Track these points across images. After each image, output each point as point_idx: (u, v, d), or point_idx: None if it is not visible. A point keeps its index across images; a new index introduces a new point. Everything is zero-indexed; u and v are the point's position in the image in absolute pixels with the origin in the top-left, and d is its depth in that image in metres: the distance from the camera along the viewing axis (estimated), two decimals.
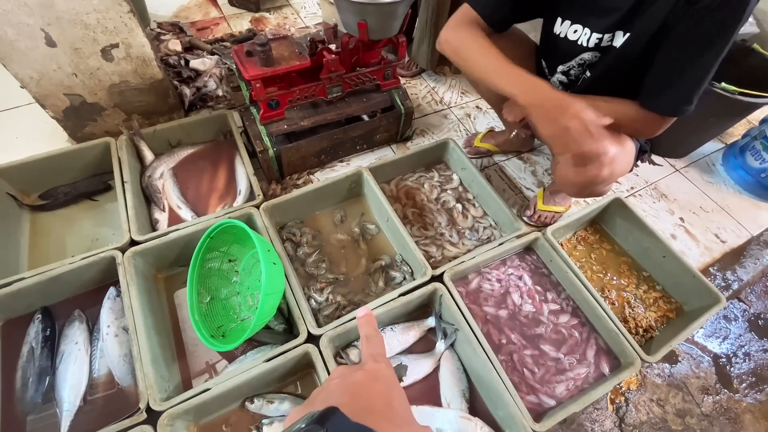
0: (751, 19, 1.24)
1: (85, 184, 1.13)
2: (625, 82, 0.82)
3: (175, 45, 1.49)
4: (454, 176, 1.24)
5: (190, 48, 1.53)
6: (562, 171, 0.84)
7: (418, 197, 1.19)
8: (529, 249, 1.09)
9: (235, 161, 1.19)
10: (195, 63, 1.42)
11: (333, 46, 1.15)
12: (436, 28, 1.37)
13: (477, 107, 1.52)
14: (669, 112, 0.76)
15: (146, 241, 0.93)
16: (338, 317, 0.87)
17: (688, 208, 1.31)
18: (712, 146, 1.48)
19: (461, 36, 0.83)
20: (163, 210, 1.07)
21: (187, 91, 1.34)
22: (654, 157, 1.43)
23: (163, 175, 1.13)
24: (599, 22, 0.79)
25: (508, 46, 0.92)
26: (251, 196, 1.08)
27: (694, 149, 1.43)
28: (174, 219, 1.06)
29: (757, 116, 1.42)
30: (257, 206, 1.01)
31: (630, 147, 0.85)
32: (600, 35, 0.80)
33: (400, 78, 1.26)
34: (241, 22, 1.72)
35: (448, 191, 1.21)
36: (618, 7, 0.75)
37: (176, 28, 1.62)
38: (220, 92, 1.40)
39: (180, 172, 1.16)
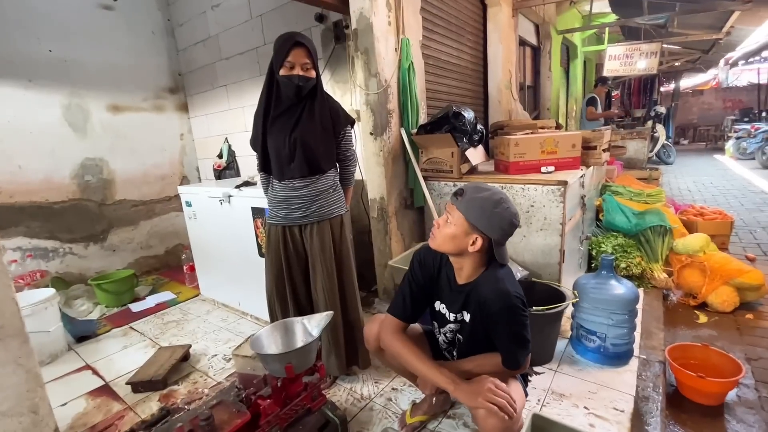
0: (520, 268, 2.02)
1: None
2: (485, 340, 1.23)
3: None
4: None
5: None
6: (484, 427, 1.11)
7: None
8: None
9: None
10: None
11: (264, 392, 1.32)
12: (336, 343, 1.72)
13: (393, 389, 1.74)
14: (512, 367, 1.19)
15: None
16: None
17: (583, 396, 1.61)
18: (562, 344, 1.98)
19: (397, 344, 1.23)
20: None
21: None
22: (536, 369, 1.81)
23: None
24: (452, 306, 1.28)
25: (414, 336, 1.34)
26: None
27: (553, 351, 1.88)
28: None
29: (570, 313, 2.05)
30: None
31: (516, 386, 1.19)
32: (455, 314, 1.26)
33: (324, 395, 1.44)
34: (149, 405, 1.75)
35: None
36: (458, 300, 1.24)
37: None
38: None
39: None
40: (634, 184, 3.71)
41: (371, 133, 2.20)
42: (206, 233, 2.71)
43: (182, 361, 2.07)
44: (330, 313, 1.46)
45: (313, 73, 1.53)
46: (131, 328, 2.57)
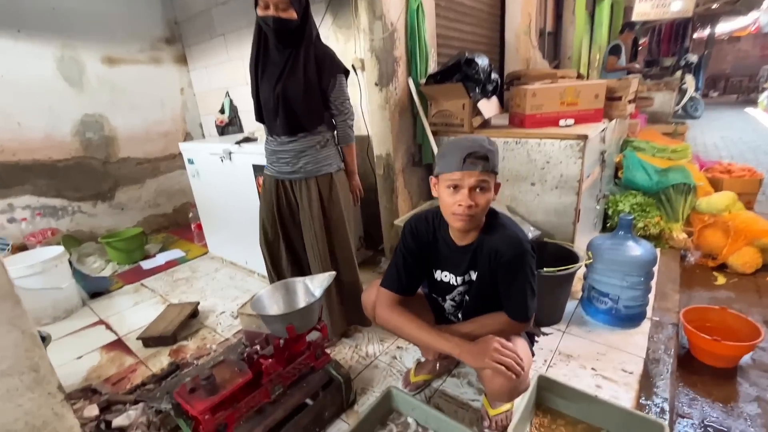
0: (532, 228, 1.94)
1: None
2: (493, 297, 1.18)
3: (91, 410, 1.44)
4: (409, 419, 1.30)
5: (108, 406, 1.49)
6: (491, 387, 1.07)
7: None
8: None
9: None
10: (118, 421, 1.37)
11: (266, 351, 1.32)
12: (330, 304, 1.68)
13: (398, 347, 1.74)
14: (521, 319, 1.15)
15: None
16: None
17: (591, 358, 1.58)
18: (572, 305, 1.93)
19: (395, 317, 1.18)
20: None
21: None
22: (544, 329, 1.78)
23: None
24: (457, 270, 1.21)
25: (413, 300, 1.29)
26: None
27: (562, 312, 1.84)
28: None
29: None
30: None
31: (522, 345, 1.15)
32: (461, 276, 1.20)
33: (328, 354, 1.44)
34: (160, 360, 1.79)
35: None
36: (463, 261, 1.18)
37: (89, 393, 1.59)
38: None
39: None
40: (658, 139, 3.50)
41: (376, 84, 2.05)
42: (210, 191, 2.66)
43: (191, 318, 2.10)
44: (332, 273, 1.42)
45: (293, 14, 1.36)
46: (142, 285, 2.62)
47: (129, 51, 3.32)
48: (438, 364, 1.48)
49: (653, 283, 1.81)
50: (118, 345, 1.95)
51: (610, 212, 2.66)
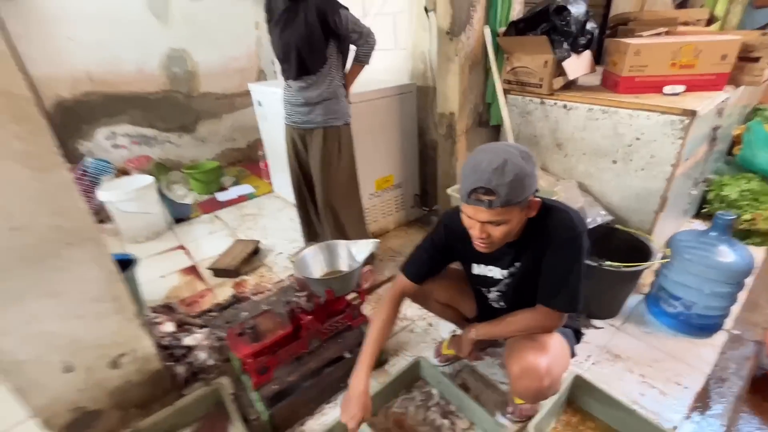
0: (603, 212, 1.73)
1: None
2: (533, 284, 1.08)
3: (167, 327, 1.71)
4: (434, 391, 1.36)
5: (182, 325, 1.75)
6: (516, 387, 1.05)
7: (406, 423, 1.26)
8: None
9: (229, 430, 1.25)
10: (187, 340, 1.61)
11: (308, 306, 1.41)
12: None
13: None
14: (565, 309, 1.03)
15: None
16: None
17: (642, 363, 1.47)
18: (634, 300, 1.76)
19: (376, 317, 1.18)
20: None
21: (181, 369, 1.48)
22: (594, 322, 1.66)
23: None
24: (502, 263, 1.13)
25: (451, 281, 1.29)
26: None
27: (621, 307, 1.69)
28: None
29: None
30: None
31: (558, 350, 1.07)
32: (507, 270, 1.13)
33: (365, 315, 1.50)
34: (224, 290, 2.03)
35: (432, 408, 1.30)
36: (508, 254, 1.09)
37: (168, 309, 1.88)
38: (211, 361, 1.56)
39: None
40: None
41: (447, 33, 1.84)
42: (276, 135, 2.73)
43: (253, 255, 2.31)
44: (376, 241, 1.43)
45: None
46: (216, 216, 2.90)
47: None
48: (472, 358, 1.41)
49: (741, 293, 1.55)
50: (193, 271, 2.23)
51: (710, 196, 2.27)
